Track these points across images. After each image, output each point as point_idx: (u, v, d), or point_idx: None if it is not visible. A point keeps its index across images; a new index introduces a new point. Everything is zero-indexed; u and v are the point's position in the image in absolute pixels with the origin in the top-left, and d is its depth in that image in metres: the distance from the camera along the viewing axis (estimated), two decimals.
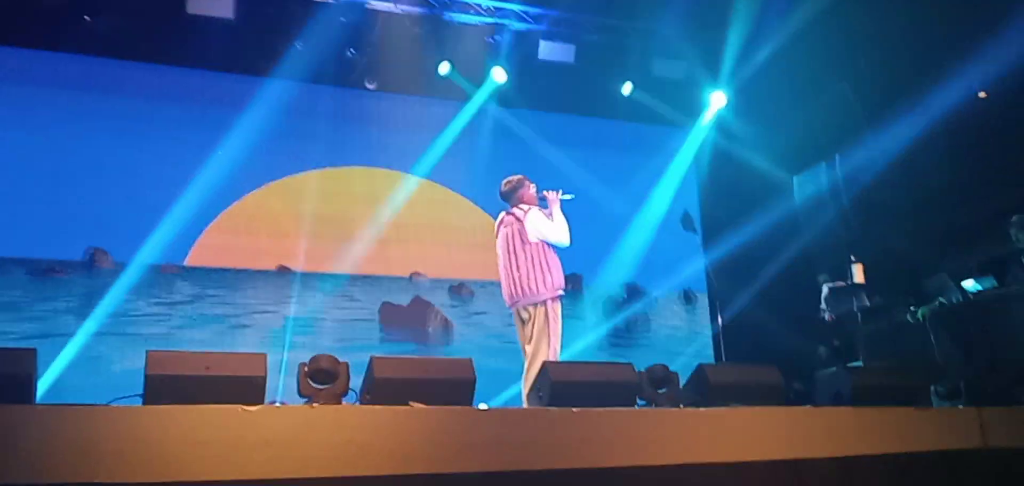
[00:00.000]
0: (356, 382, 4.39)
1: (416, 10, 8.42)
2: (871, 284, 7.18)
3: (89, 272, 7.60)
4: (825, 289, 7.64)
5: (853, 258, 7.18)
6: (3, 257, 7.42)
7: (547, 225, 5.73)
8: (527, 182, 5.96)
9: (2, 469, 3.28)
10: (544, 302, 5.63)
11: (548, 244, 5.73)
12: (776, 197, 8.31)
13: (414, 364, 4.62)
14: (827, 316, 7.50)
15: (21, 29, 7.61)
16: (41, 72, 7.86)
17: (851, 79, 7.71)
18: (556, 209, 5.81)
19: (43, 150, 7.68)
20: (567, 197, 5.86)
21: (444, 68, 8.75)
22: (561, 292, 5.71)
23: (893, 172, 7.57)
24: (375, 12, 8.30)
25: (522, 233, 5.74)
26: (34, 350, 3.81)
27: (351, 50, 8.41)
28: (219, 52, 8.12)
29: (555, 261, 5.73)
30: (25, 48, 7.77)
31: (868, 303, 7.16)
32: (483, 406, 5.44)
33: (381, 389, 4.25)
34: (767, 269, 8.32)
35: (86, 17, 7.67)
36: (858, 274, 7.15)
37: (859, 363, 6.75)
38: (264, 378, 4.00)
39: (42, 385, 3.95)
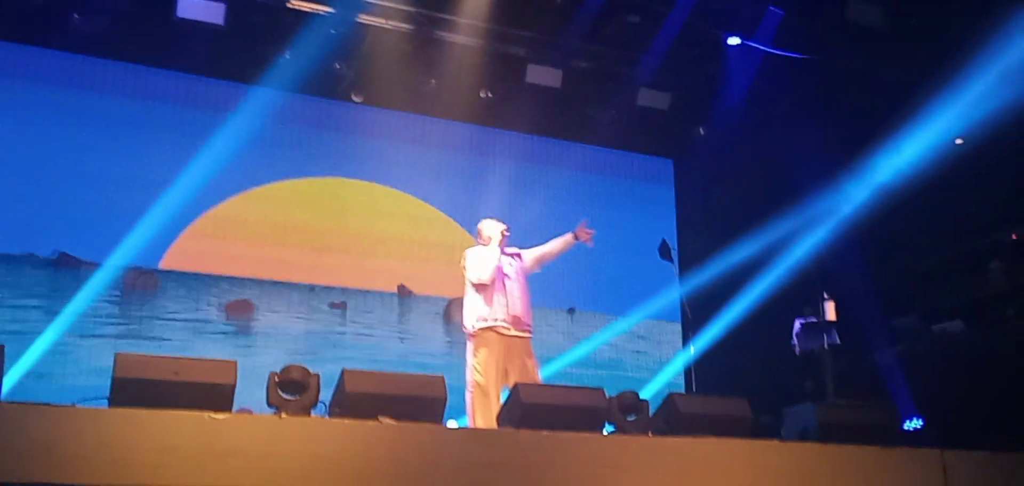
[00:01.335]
0: (326, 394, 4.40)
1: (406, 27, 8.47)
2: (842, 321, 7.26)
3: (58, 270, 7.52)
4: (797, 324, 7.71)
5: (825, 294, 7.27)
6: None
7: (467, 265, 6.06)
8: (480, 226, 6.21)
9: None
10: None
11: (472, 283, 6.01)
12: (753, 231, 8.40)
13: (385, 379, 4.63)
14: (797, 350, 7.57)
15: (5, 23, 7.58)
16: (24, 67, 7.82)
17: (828, 118, 7.83)
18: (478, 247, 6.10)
19: (20, 144, 7.62)
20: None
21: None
22: (468, 330, 5.95)
23: (868, 211, 7.68)
24: (365, 26, 8.33)
25: None
26: (1, 347, 3.80)
27: (338, 63, 8.43)
28: (206, 57, 8.14)
29: (468, 300, 6.02)
30: (8, 42, 7.73)
31: (839, 340, 7.24)
32: (453, 424, 5.47)
33: (351, 403, 4.26)
34: (741, 302, 8.39)
35: (75, 15, 7.64)
36: (830, 311, 7.23)
37: (829, 400, 6.81)
38: (233, 386, 4.01)
39: (7, 383, 3.93)
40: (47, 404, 3.52)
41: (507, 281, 5.97)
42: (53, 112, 7.81)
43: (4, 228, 7.45)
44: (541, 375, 6.05)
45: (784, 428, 5.19)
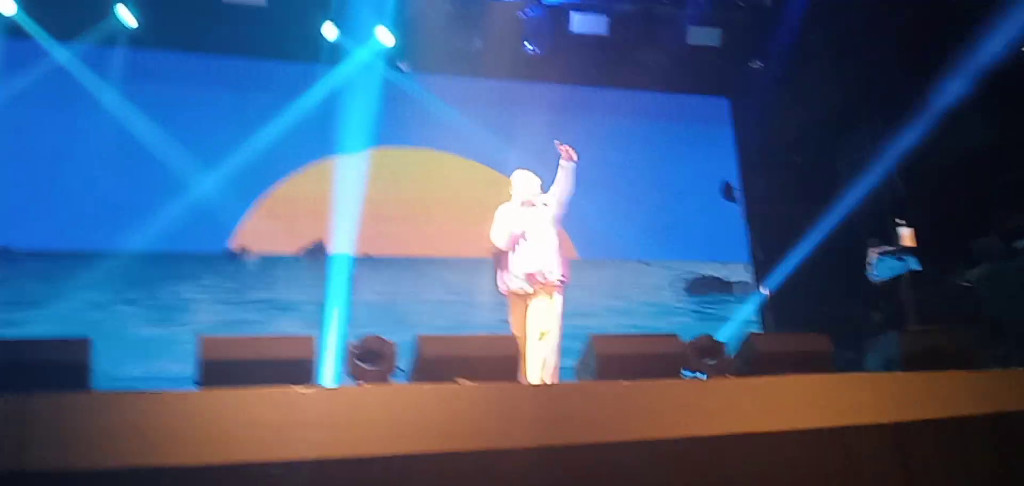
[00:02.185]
0: (403, 361, 4.42)
1: None
2: (919, 247, 7.05)
3: (130, 261, 7.66)
4: (873, 253, 7.51)
5: (900, 222, 7.06)
6: (38, 250, 7.54)
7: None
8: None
9: (62, 455, 3.35)
10: None
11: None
12: (819, 162, 8.17)
13: (459, 342, 4.64)
14: (874, 280, 7.37)
15: (59, 23, 7.67)
16: (72, 63, 7.91)
17: (892, 38, 7.53)
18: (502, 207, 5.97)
19: (76, 140, 7.77)
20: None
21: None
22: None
23: (939, 132, 7.40)
24: None
25: None
26: (88, 339, 3.88)
27: (383, 31, 8.40)
28: (252, 38, 8.18)
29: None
30: (61, 41, 7.82)
31: (917, 267, 7.04)
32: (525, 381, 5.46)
33: (427, 367, 4.27)
34: (812, 236, 8.18)
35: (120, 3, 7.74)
36: (907, 238, 7.02)
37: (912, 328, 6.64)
38: (313, 360, 4.05)
39: (101, 373, 4.02)
40: (136, 391, 3.58)
41: (521, 241, 5.77)
42: (101, 107, 7.91)
43: (66, 224, 7.60)
44: (560, 325, 5.70)
45: (867, 359, 5.07)
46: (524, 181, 5.93)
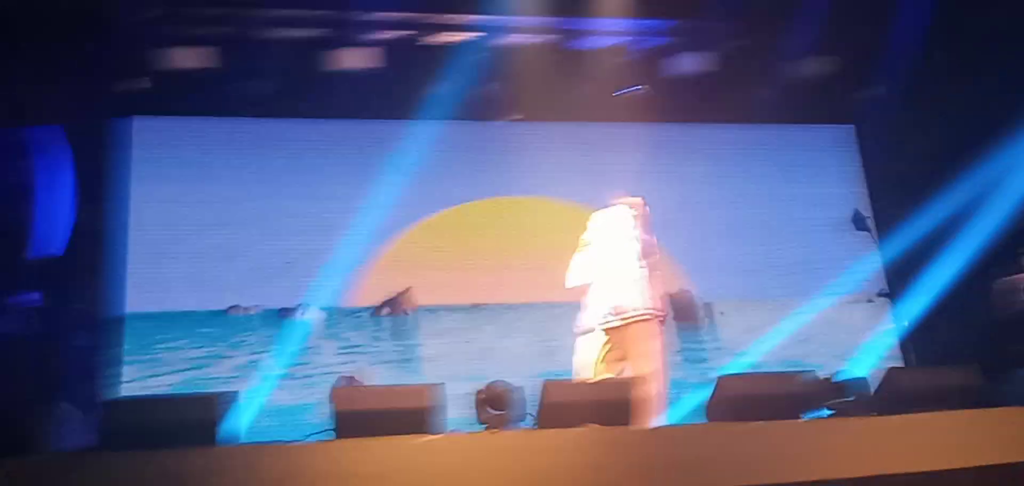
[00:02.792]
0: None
1: (551, 38, 8.49)
2: None
3: (259, 319, 7.96)
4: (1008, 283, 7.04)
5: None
6: (181, 311, 7.89)
7: None
8: None
9: None
10: None
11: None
12: (955, 185, 7.75)
13: (585, 387, 4.60)
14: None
15: (179, 98, 8.13)
16: (201, 137, 8.42)
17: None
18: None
19: (203, 210, 8.21)
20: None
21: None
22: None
23: None
24: (511, 46, 8.41)
25: None
26: (216, 396, 4.03)
27: (491, 84, 8.53)
28: (361, 101, 8.44)
29: None
30: (177, 116, 8.32)
31: None
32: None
33: (555, 412, 4.25)
34: (953, 263, 7.72)
35: (243, 82, 8.13)
36: None
37: None
38: (443, 407, 4.08)
39: (246, 421, 4.17)
40: (274, 443, 3.68)
41: (599, 277, 5.53)
42: (227, 175, 8.38)
43: (205, 288, 7.99)
44: (659, 362, 5.30)
45: (1010, 393, 4.75)
46: (599, 218, 5.78)
